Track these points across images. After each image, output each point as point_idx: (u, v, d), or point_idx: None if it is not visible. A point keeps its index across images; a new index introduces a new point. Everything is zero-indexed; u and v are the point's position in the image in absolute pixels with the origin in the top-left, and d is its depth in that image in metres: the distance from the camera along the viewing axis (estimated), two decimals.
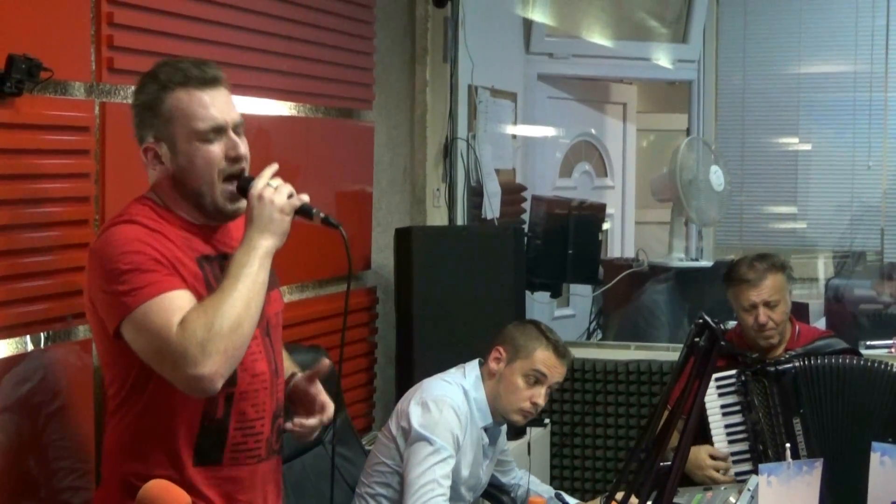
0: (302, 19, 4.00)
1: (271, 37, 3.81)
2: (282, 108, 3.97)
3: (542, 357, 3.47)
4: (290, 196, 2.46)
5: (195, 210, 2.48)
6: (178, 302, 2.31)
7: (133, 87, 2.53)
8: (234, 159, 2.46)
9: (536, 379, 3.46)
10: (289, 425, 2.65)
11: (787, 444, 3.61)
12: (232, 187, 2.47)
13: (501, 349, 3.52)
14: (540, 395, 3.48)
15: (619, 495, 2.54)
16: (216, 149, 2.44)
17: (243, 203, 2.47)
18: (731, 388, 3.93)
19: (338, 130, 4.34)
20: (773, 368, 3.87)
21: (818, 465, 2.91)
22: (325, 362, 2.70)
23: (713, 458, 3.89)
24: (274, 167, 2.49)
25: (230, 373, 2.35)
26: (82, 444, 2.93)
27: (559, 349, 3.50)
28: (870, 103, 6.96)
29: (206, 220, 2.51)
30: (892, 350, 5.01)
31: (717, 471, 3.87)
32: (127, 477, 2.42)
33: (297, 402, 2.70)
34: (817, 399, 3.83)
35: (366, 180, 4.55)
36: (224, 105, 2.47)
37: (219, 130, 2.44)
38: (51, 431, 2.83)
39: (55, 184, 2.85)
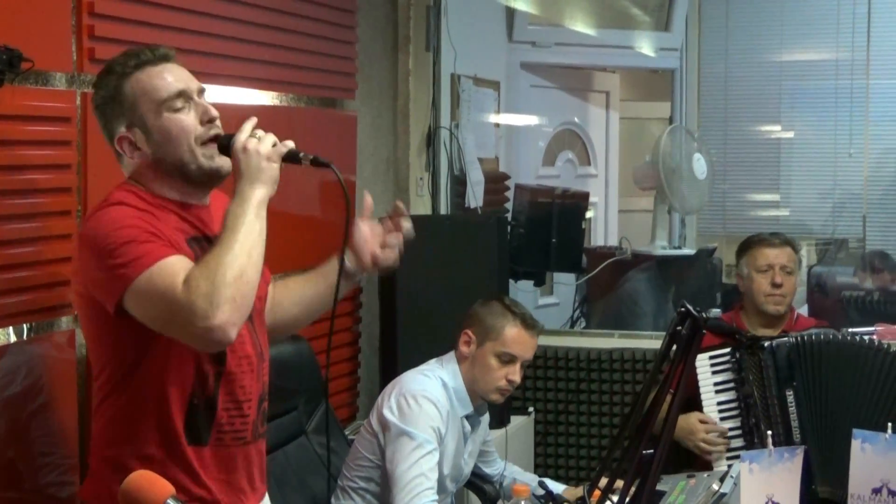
0: (284, 9, 4.00)
1: (253, 26, 3.80)
2: (264, 97, 3.96)
3: (512, 334, 3.48)
4: (274, 144, 2.46)
5: (181, 183, 2.48)
6: (178, 265, 2.31)
7: (92, 90, 2.53)
8: (209, 121, 2.47)
9: (510, 358, 3.47)
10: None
11: (780, 415, 3.76)
12: (213, 149, 2.47)
13: (470, 332, 3.52)
14: (515, 372, 3.49)
15: (603, 482, 2.55)
16: (188, 117, 2.45)
17: (227, 162, 2.47)
18: (726, 366, 3.97)
19: (320, 120, 4.33)
20: (768, 343, 3.91)
21: (800, 452, 2.92)
22: (368, 199, 2.80)
23: (703, 422, 3.94)
24: (253, 121, 2.49)
25: (242, 321, 2.33)
26: (66, 438, 2.92)
27: (527, 321, 3.50)
28: (851, 91, 6.98)
29: (193, 192, 2.51)
30: (874, 336, 5.02)
31: (709, 433, 3.92)
32: (119, 458, 2.42)
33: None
34: (811, 373, 3.86)
35: (349, 169, 4.55)
36: (181, 73, 2.48)
37: (183, 96, 2.45)
38: (34, 424, 2.82)
39: (37, 175, 2.84)
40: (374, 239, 2.77)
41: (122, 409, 2.44)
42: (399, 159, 5.03)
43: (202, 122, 2.46)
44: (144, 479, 1.91)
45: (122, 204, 2.39)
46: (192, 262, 2.34)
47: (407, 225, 2.79)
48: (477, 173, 5.45)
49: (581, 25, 6.66)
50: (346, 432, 4.12)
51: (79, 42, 2.97)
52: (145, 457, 2.41)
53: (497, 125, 6.08)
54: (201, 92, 2.50)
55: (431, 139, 5.14)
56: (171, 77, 2.46)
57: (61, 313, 2.89)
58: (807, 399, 3.84)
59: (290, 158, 2.50)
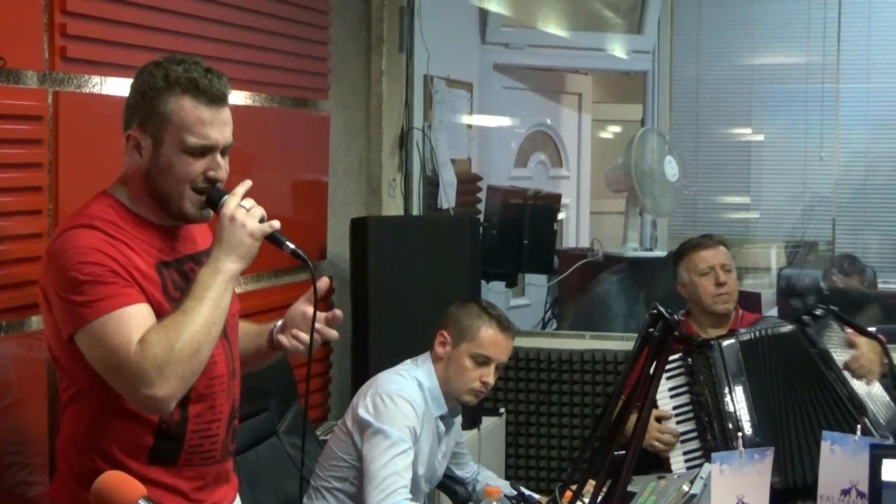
0: (258, 9, 3.99)
1: (227, 26, 3.80)
2: (237, 97, 3.95)
3: (487, 335, 3.48)
4: (261, 220, 2.45)
5: (159, 210, 2.46)
6: (136, 318, 2.30)
7: (140, 68, 2.46)
8: (212, 180, 2.44)
9: (484, 359, 3.48)
10: (284, 339, 2.71)
11: (731, 416, 3.86)
12: (201, 198, 2.44)
13: (445, 333, 3.53)
14: (489, 374, 3.50)
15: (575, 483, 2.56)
16: (198, 164, 2.41)
17: (209, 212, 2.46)
18: (678, 371, 4.07)
19: (293, 120, 4.33)
20: (715, 342, 4.01)
21: (770, 453, 2.94)
22: (325, 280, 2.70)
23: (658, 419, 4.00)
24: (247, 184, 2.47)
25: (184, 394, 2.35)
26: (35, 437, 2.91)
27: (502, 323, 3.52)
28: (822, 94, 7.02)
29: (170, 221, 2.49)
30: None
31: (663, 433, 3.99)
32: (83, 470, 2.41)
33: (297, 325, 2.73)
34: (759, 366, 3.97)
35: (321, 170, 4.55)
36: (223, 126, 2.44)
37: (207, 150, 2.42)
38: (2, 423, 2.80)
39: (8, 173, 2.83)
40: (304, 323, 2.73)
41: (88, 419, 2.42)
42: (372, 160, 5.03)
43: (205, 175, 2.43)
44: (116, 479, 1.90)
45: (93, 227, 2.35)
46: (151, 313, 2.33)
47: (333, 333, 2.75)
48: (449, 174, 5.45)
49: (554, 27, 6.67)
50: (318, 432, 4.12)
51: (51, 40, 2.96)
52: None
53: (469, 126, 6.09)
54: (225, 151, 2.46)
55: (404, 140, 5.15)
56: (212, 129, 2.40)
57: (31, 312, 2.88)
58: (754, 392, 3.92)
59: (272, 240, 2.48)
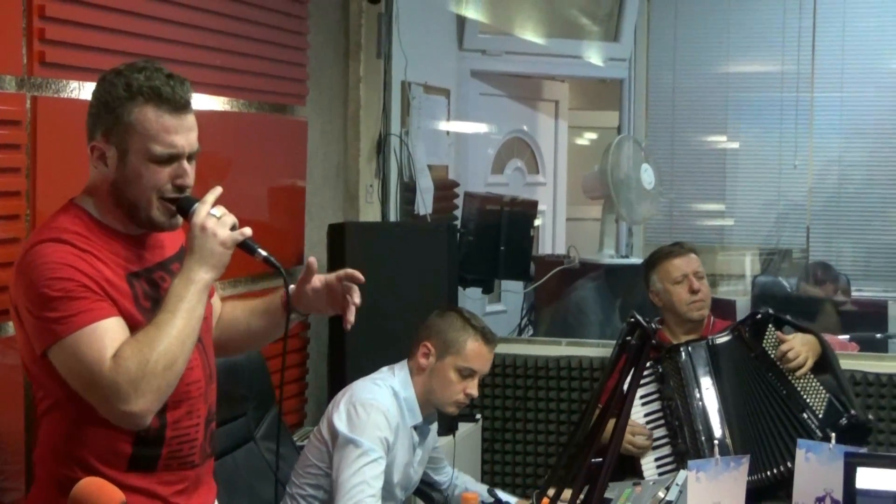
0: (235, 14, 3.98)
1: (205, 31, 3.79)
2: (215, 103, 3.94)
3: (473, 348, 3.49)
4: (233, 228, 2.44)
5: (128, 220, 2.44)
6: (109, 333, 2.29)
7: (100, 77, 2.45)
8: (179, 188, 2.42)
9: (470, 372, 3.49)
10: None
11: (699, 420, 3.92)
12: (170, 206, 2.43)
13: (429, 344, 3.52)
14: (473, 386, 3.51)
15: (551, 491, 2.57)
16: (165, 172, 2.40)
17: (179, 219, 2.45)
18: (650, 378, 4.12)
19: (271, 126, 4.33)
20: (684, 347, 4.08)
21: (745, 460, 2.96)
22: (312, 260, 2.72)
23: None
24: (217, 192, 2.46)
25: (160, 407, 2.34)
26: (11, 443, 2.89)
27: (486, 336, 3.53)
28: (796, 103, 7.08)
29: (138, 230, 2.48)
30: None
31: (634, 435, 4.03)
32: (61, 479, 2.39)
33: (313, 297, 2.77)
34: (723, 370, 4.02)
35: (299, 175, 4.54)
36: (188, 132, 2.42)
37: (174, 158, 2.41)
38: None
39: None
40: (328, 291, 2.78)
41: (65, 429, 2.41)
42: (349, 166, 5.03)
43: (173, 182, 2.41)
44: (94, 485, 1.90)
45: (61, 241, 2.33)
46: (124, 326, 2.32)
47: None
48: (426, 180, 5.46)
49: (531, 35, 6.69)
50: (294, 438, 4.12)
51: (29, 45, 2.94)
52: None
53: (447, 132, 6.10)
54: (192, 157, 2.45)
55: (381, 146, 5.15)
56: (177, 137, 2.39)
57: (6, 318, 2.85)
58: (723, 395, 3.97)
59: (244, 248, 2.48)
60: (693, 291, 4.25)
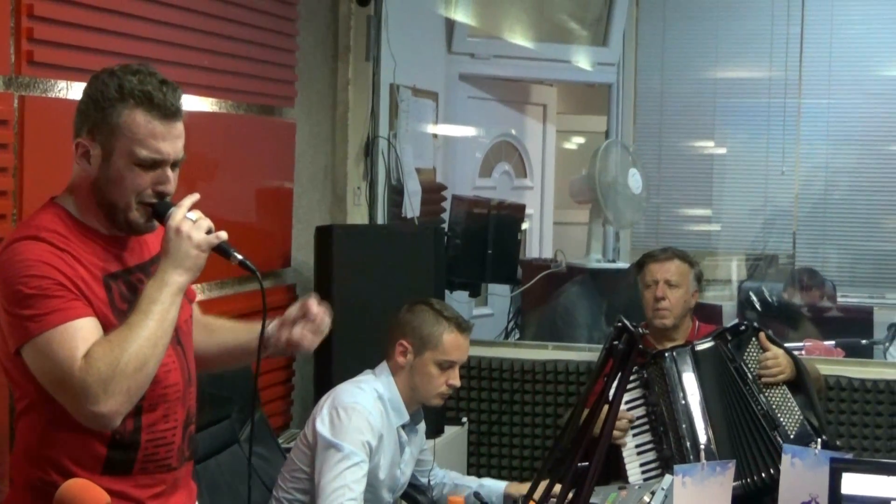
0: (225, 15, 3.98)
1: (194, 32, 3.79)
2: (203, 104, 3.94)
3: (450, 340, 3.49)
4: (208, 232, 2.43)
5: (106, 220, 2.44)
6: (82, 332, 2.28)
7: (93, 76, 2.44)
8: (159, 194, 2.42)
9: (450, 364, 3.49)
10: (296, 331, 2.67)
11: (684, 426, 3.93)
12: (148, 210, 2.43)
13: (405, 342, 3.51)
14: (455, 377, 3.52)
15: (538, 494, 2.57)
16: (147, 177, 2.39)
17: (155, 223, 2.45)
18: (634, 384, 4.11)
19: (259, 127, 4.32)
20: (668, 353, 4.08)
21: (731, 466, 2.97)
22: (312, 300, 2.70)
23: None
24: (194, 197, 2.45)
25: (130, 409, 2.33)
26: None
27: (461, 325, 3.53)
28: (784, 109, 7.09)
29: (117, 231, 2.47)
30: (803, 352, 5.12)
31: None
32: (36, 482, 2.39)
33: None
34: (711, 374, 4.03)
35: (286, 177, 4.54)
36: (175, 140, 2.42)
37: (158, 163, 2.40)
38: None
39: None
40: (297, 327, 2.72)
41: (41, 431, 2.40)
42: (337, 168, 5.02)
43: (154, 188, 2.41)
44: (78, 486, 1.90)
45: (39, 239, 2.33)
46: (98, 326, 2.31)
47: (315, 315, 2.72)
48: (414, 183, 5.45)
49: (519, 38, 6.70)
50: (280, 440, 4.11)
51: (17, 44, 2.94)
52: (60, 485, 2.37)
53: (435, 136, 6.10)
54: (176, 164, 2.44)
55: (369, 149, 5.15)
56: (164, 143, 2.38)
57: None
58: (706, 400, 3.97)
59: (220, 251, 2.47)
60: (656, 299, 4.26)
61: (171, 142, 2.41)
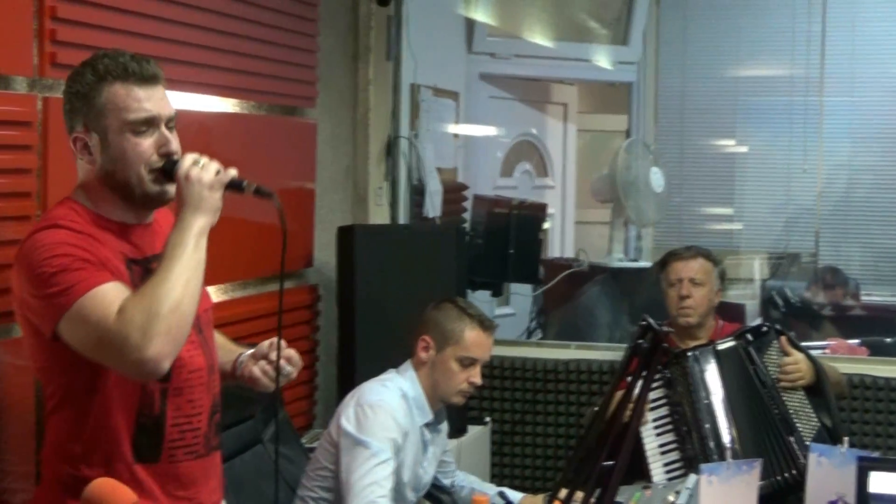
0: (246, 16, 3.99)
1: (215, 33, 3.79)
2: (224, 104, 3.94)
3: (471, 337, 3.49)
4: (217, 172, 2.45)
5: (124, 203, 2.45)
6: (111, 295, 2.29)
7: (68, 75, 2.47)
8: (165, 155, 2.44)
9: (471, 361, 3.49)
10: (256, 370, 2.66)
11: (707, 425, 3.91)
12: (159, 175, 2.44)
13: (428, 338, 3.52)
14: (476, 375, 3.52)
15: (563, 493, 2.57)
16: (147, 142, 2.42)
17: (172, 187, 2.45)
18: (658, 383, 4.08)
19: (280, 128, 4.33)
20: (691, 353, 4.06)
21: (757, 465, 2.95)
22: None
23: None
24: (195, 154, 2.47)
25: (177, 352, 2.32)
26: (22, 444, 2.89)
27: (484, 323, 3.53)
28: (805, 107, 7.07)
29: (136, 212, 2.48)
30: (827, 351, 5.10)
31: None
32: (66, 478, 2.40)
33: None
34: (733, 373, 4.01)
35: (308, 178, 4.54)
36: (159, 100, 2.45)
37: (151, 122, 2.42)
38: None
39: None
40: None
41: (70, 426, 2.41)
42: (358, 168, 5.02)
43: (158, 152, 2.43)
44: (107, 485, 1.90)
45: (57, 227, 2.35)
46: (128, 289, 2.32)
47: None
48: (435, 183, 5.45)
49: (540, 38, 6.69)
50: (303, 440, 4.11)
51: (40, 46, 2.95)
52: (90, 479, 2.37)
53: (456, 135, 6.10)
54: (171, 121, 2.46)
55: (390, 149, 5.15)
56: (148, 103, 2.42)
57: (14, 320, 2.86)
58: (730, 400, 3.95)
59: (232, 187, 2.48)
60: (681, 297, 4.24)
61: (156, 102, 2.43)
